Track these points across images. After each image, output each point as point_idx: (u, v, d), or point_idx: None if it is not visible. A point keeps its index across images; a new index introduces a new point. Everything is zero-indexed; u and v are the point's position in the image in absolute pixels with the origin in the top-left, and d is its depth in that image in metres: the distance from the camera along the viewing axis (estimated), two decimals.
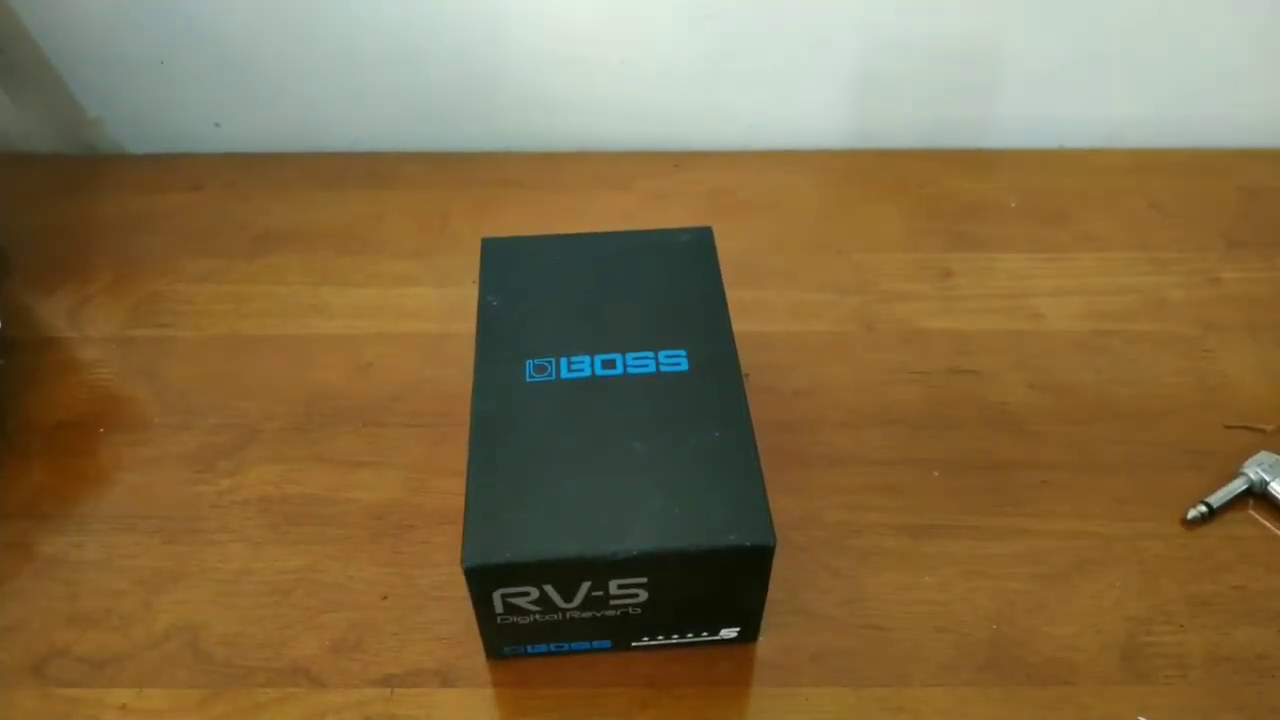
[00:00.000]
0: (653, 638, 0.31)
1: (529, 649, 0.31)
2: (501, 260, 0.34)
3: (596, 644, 0.31)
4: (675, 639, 0.31)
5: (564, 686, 0.32)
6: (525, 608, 0.28)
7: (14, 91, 0.52)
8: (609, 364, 0.31)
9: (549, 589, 0.28)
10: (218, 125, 0.54)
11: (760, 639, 0.32)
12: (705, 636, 0.31)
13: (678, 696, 0.31)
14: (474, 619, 0.30)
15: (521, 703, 0.32)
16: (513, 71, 0.51)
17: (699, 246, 0.35)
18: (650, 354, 0.31)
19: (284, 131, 0.54)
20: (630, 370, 0.31)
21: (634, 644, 0.31)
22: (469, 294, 0.45)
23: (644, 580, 0.28)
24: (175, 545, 0.36)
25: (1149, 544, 0.35)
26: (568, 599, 0.28)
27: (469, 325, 0.46)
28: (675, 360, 0.31)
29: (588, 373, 0.30)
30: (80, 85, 0.52)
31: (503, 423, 0.29)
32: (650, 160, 0.52)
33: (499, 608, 0.28)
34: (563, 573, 0.27)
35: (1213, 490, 0.36)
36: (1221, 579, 0.34)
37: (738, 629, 0.31)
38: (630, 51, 0.50)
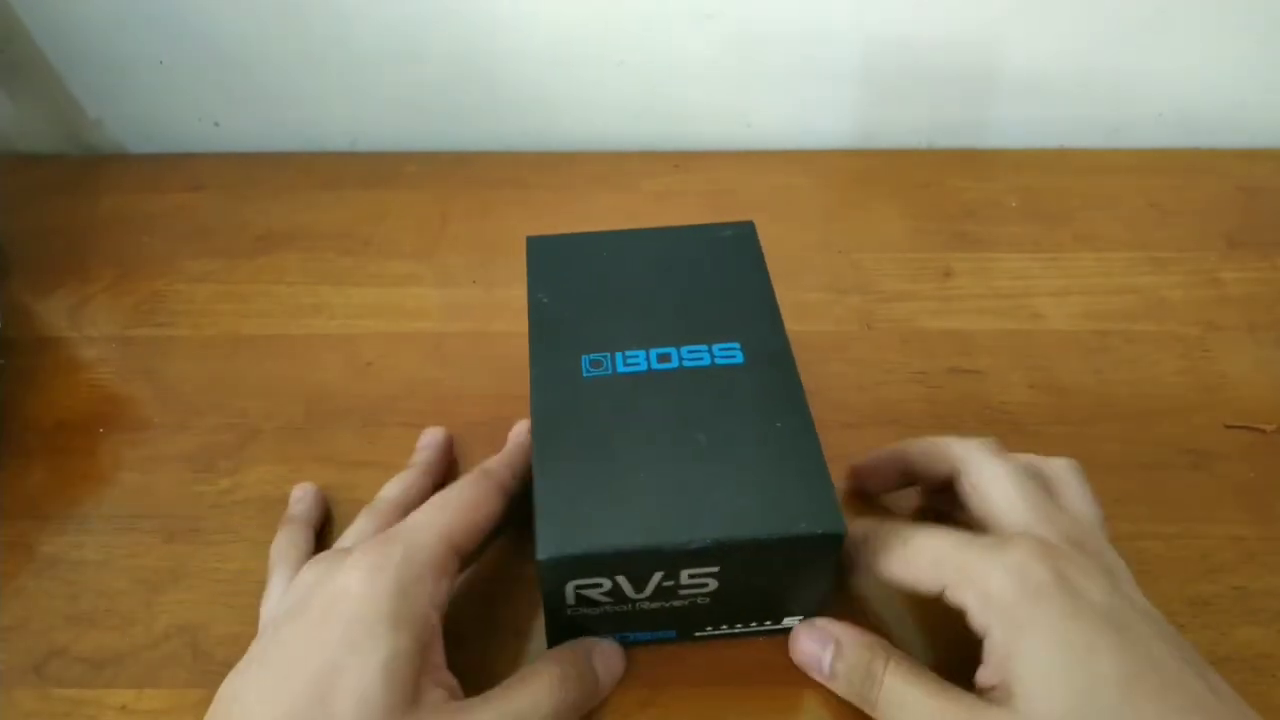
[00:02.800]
0: (717, 627, 0.31)
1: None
2: (547, 257, 0.34)
3: (662, 634, 0.31)
4: (739, 629, 0.31)
5: None
6: (596, 599, 0.28)
7: (14, 91, 0.52)
8: (664, 358, 0.31)
9: (621, 580, 0.28)
10: (218, 125, 0.54)
11: (760, 638, 0.32)
12: (769, 625, 0.31)
13: (678, 696, 0.31)
14: (474, 619, 0.30)
15: None
16: (513, 71, 0.51)
17: (743, 240, 0.35)
18: (704, 347, 0.31)
19: (284, 131, 0.54)
20: (685, 364, 0.30)
21: (697, 634, 0.32)
22: (469, 294, 0.45)
23: (715, 569, 0.28)
24: (175, 545, 0.36)
25: (1149, 544, 0.35)
26: (639, 590, 0.28)
27: (469, 325, 0.46)
28: (730, 353, 0.31)
29: (644, 367, 0.30)
30: (80, 85, 0.52)
31: (563, 419, 0.29)
32: (650, 160, 0.52)
33: (570, 600, 0.28)
34: (637, 563, 0.27)
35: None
36: (1221, 579, 0.34)
37: (801, 618, 0.31)
38: (630, 51, 0.50)
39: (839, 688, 0.29)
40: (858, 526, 0.31)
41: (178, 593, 0.34)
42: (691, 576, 0.28)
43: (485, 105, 0.53)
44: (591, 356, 0.31)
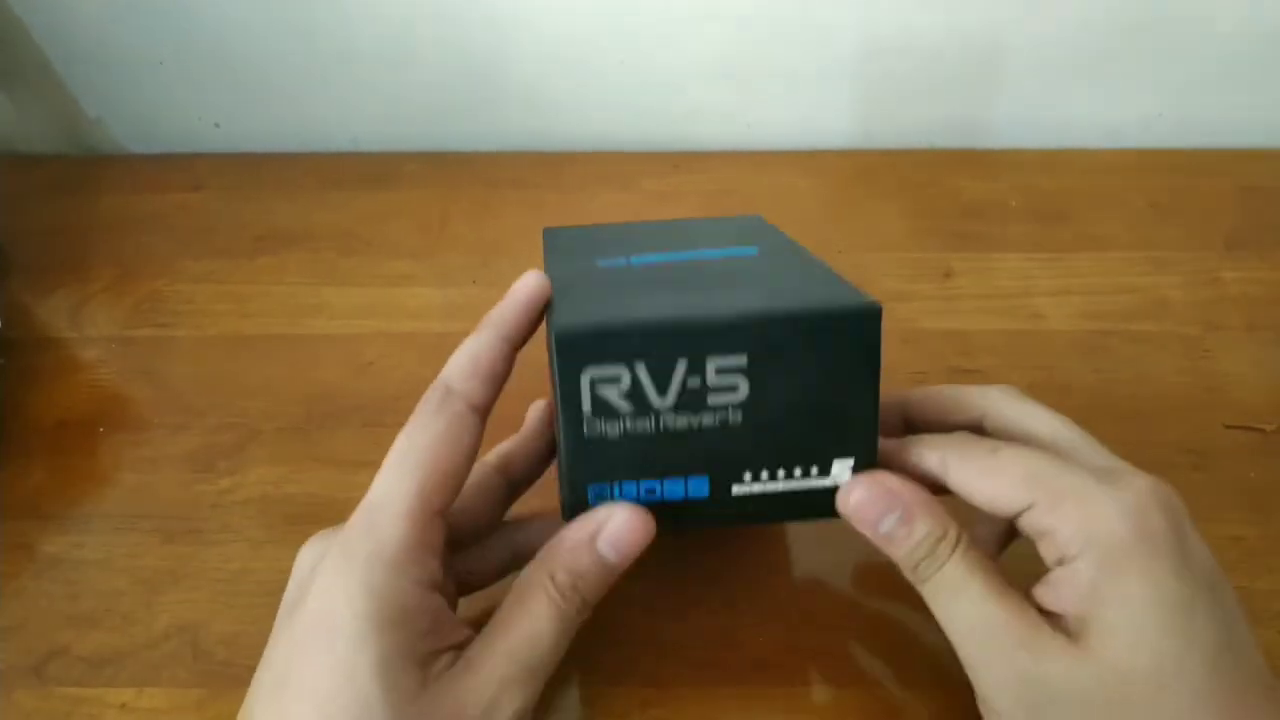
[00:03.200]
0: (756, 474, 0.27)
1: (619, 489, 0.27)
2: (564, 247, 0.34)
3: (693, 484, 0.28)
4: (781, 477, 0.28)
5: (565, 686, 0.32)
6: (616, 405, 0.26)
7: (14, 91, 0.52)
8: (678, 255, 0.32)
9: (642, 373, 0.26)
10: (218, 125, 0.54)
11: (760, 638, 0.32)
12: (815, 476, 0.27)
13: (678, 696, 0.31)
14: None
15: None
16: (513, 72, 0.51)
17: (757, 227, 0.37)
18: (718, 250, 0.32)
19: (284, 131, 0.54)
20: (701, 255, 0.32)
21: (735, 488, 0.28)
22: (469, 294, 0.45)
23: (744, 362, 0.26)
24: (175, 545, 0.36)
25: None
26: (662, 392, 0.26)
27: (469, 325, 0.46)
28: (745, 251, 0.32)
29: (659, 260, 0.31)
30: (80, 85, 0.52)
31: (580, 280, 0.29)
32: (650, 160, 0.52)
33: (587, 406, 0.26)
34: (659, 345, 0.26)
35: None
36: None
37: (851, 463, 0.27)
38: (630, 51, 0.50)
39: (894, 552, 0.27)
40: (936, 438, 0.28)
41: (178, 593, 0.34)
42: (719, 373, 0.26)
43: (485, 105, 0.53)
44: (607, 260, 0.31)
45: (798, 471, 0.28)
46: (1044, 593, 0.25)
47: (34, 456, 0.39)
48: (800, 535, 0.35)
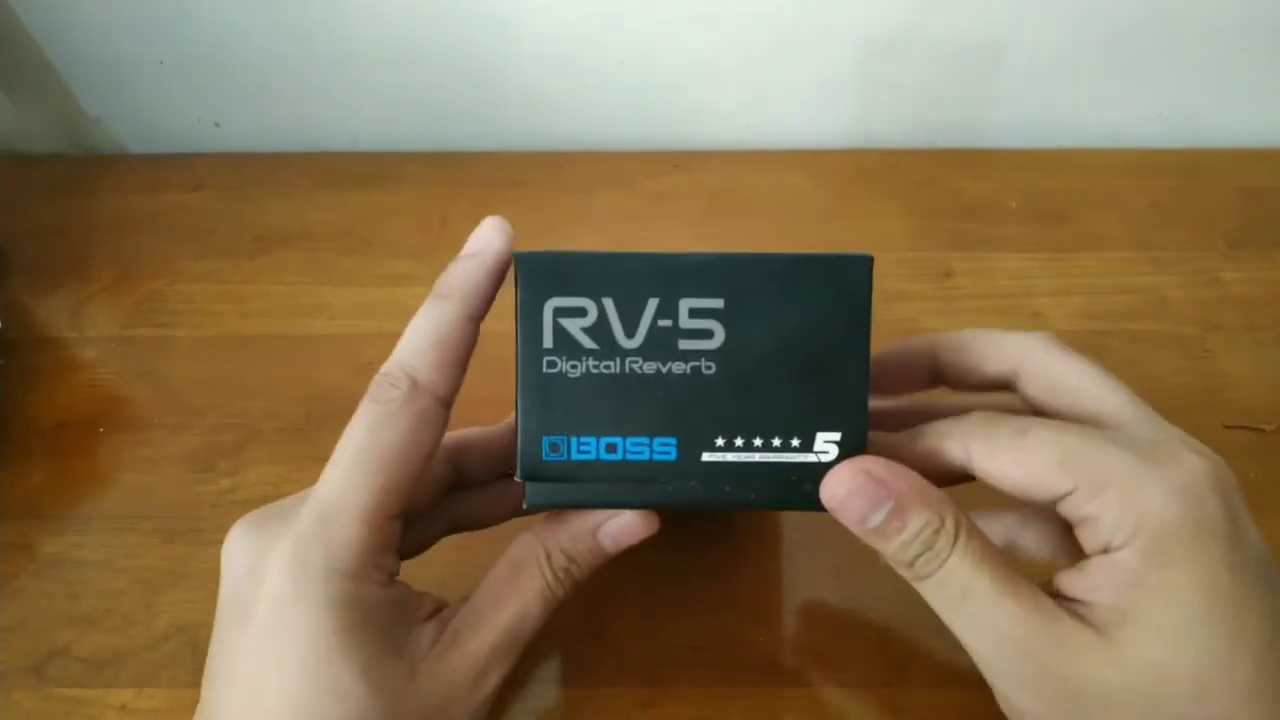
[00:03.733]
0: (730, 440, 0.25)
1: (577, 444, 0.25)
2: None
3: (659, 446, 0.25)
4: (758, 446, 0.25)
5: (565, 686, 0.32)
6: (578, 340, 0.24)
7: (14, 91, 0.52)
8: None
9: (609, 307, 0.24)
10: (218, 125, 0.54)
11: (760, 637, 0.32)
12: (796, 450, 0.25)
13: (678, 696, 0.31)
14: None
15: (521, 703, 0.32)
16: (513, 71, 0.51)
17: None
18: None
19: (284, 131, 0.54)
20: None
21: (705, 454, 0.25)
22: None
23: (720, 305, 0.24)
24: (175, 545, 0.36)
25: None
26: (630, 331, 0.24)
27: None
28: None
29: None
30: (80, 85, 0.52)
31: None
32: (650, 160, 0.52)
33: (548, 334, 0.24)
34: (628, 279, 0.24)
35: None
36: None
37: (837, 438, 0.25)
38: (630, 51, 0.50)
39: (885, 548, 0.24)
40: (954, 424, 0.25)
41: (178, 593, 0.34)
42: (693, 314, 0.24)
43: (485, 105, 0.53)
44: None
45: (776, 440, 0.25)
46: (1075, 579, 0.23)
47: (34, 456, 0.39)
48: (800, 533, 0.35)
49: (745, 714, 0.31)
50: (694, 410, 0.25)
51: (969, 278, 0.45)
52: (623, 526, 0.26)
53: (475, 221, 0.51)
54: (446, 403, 0.25)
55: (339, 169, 0.52)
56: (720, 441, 0.25)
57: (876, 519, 0.23)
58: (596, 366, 0.24)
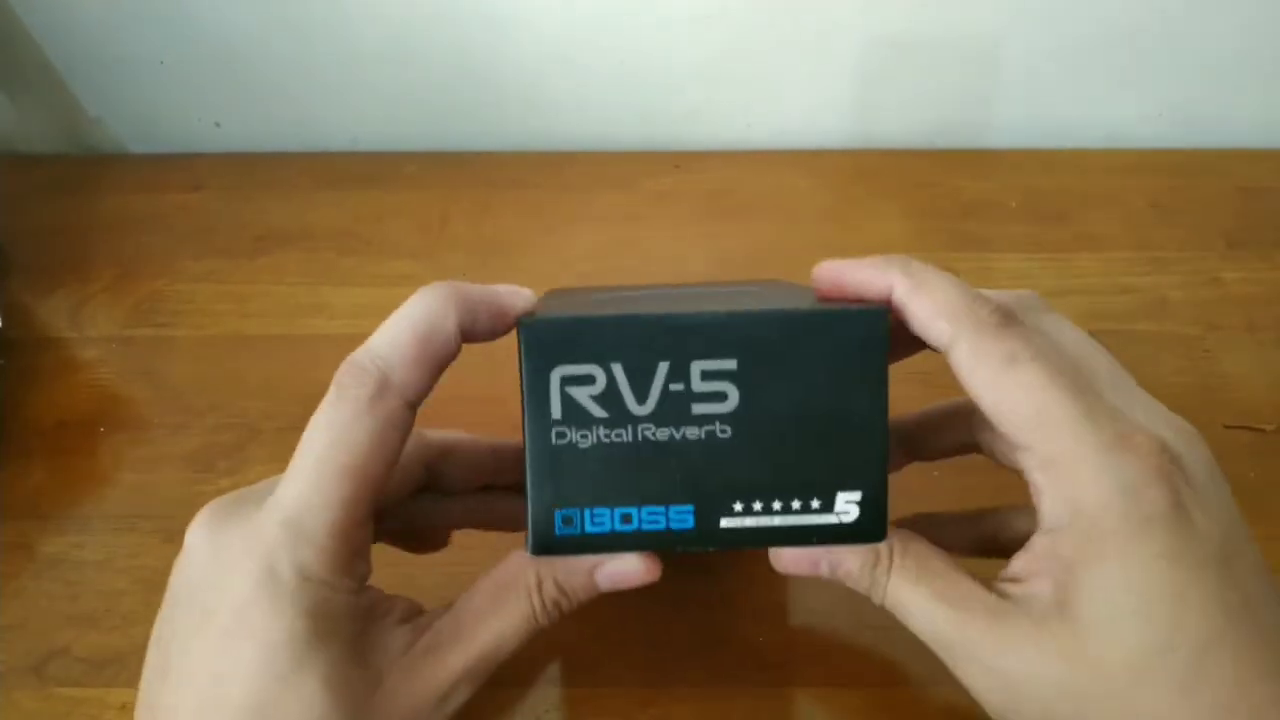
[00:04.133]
0: (748, 505, 0.24)
1: (590, 516, 0.24)
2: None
3: (675, 514, 0.24)
4: (778, 510, 0.24)
5: (565, 686, 0.32)
6: (588, 410, 0.23)
7: (14, 91, 0.52)
8: None
9: (618, 373, 0.23)
10: (218, 125, 0.54)
11: (762, 638, 0.32)
12: (816, 511, 0.24)
13: (678, 696, 0.31)
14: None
15: (522, 703, 0.32)
16: (513, 71, 0.51)
17: (774, 280, 0.35)
18: (722, 287, 0.32)
19: (284, 131, 0.54)
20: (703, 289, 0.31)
21: (723, 520, 0.24)
22: None
23: (734, 366, 0.23)
24: (175, 545, 0.35)
25: None
26: (641, 397, 0.23)
27: None
28: (750, 286, 0.30)
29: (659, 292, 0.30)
30: (80, 85, 0.52)
31: (566, 303, 0.27)
32: (651, 160, 0.52)
33: (556, 405, 0.23)
34: (637, 342, 0.23)
35: None
36: None
37: (858, 497, 0.24)
38: (630, 51, 0.50)
39: (849, 585, 0.25)
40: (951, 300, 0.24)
41: None
42: (706, 378, 0.23)
43: (485, 105, 0.53)
44: (600, 295, 0.29)
45: (796, 503, 0.24)
46: (1025, 563, 0.23)
47: (34, 456, 0.39)
48: None
49: (745, 714, 0.31)
50: (710, 476, 0.24)
51: (969, 278, 0.45)
52: (623, 572, 0.25)
53: (475, 221, 0.51)
54: (414, 406, 0.24)
55: (339, 169, 0.52)
56: (739, 507, 0.24)
57: (825, 567, 0.25)
58: (608, 435, 0.24)
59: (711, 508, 0.24)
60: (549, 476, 0.24)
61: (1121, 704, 0.21)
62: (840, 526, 0.24)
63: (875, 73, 0.51)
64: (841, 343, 0.23)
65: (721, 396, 0.23)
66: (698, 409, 0.23)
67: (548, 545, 0.24)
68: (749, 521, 0.24)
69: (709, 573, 0.34)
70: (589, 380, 0.23)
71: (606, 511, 0.24)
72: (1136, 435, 0.22)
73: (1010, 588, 0.23)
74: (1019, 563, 0.23)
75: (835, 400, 0.23)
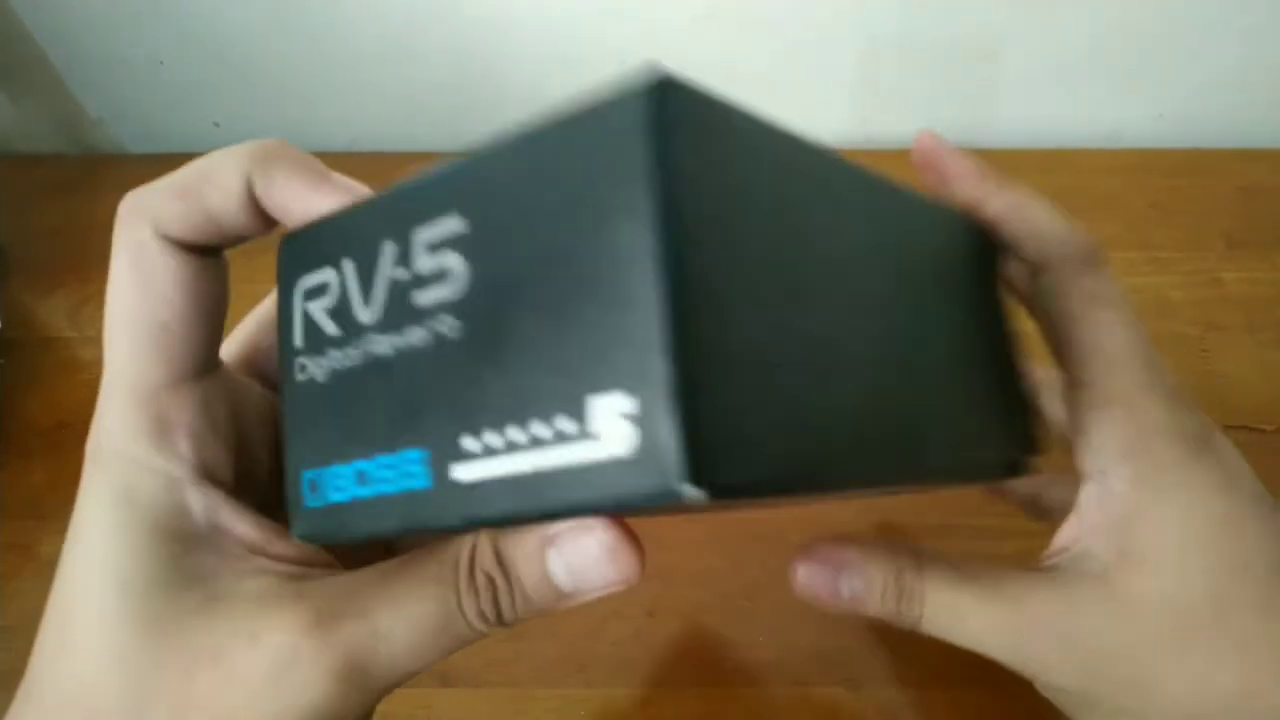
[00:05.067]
0: (482, 442, 0.15)
1: (332, 478, 0.17)
2: None
3: (406, 466, 0.16)
4: (521, 443, 0.14)
5: (565, 686, 0.32)
6: (324, 329, 0.17)
7: (14, 91, 0.52)
8: None
9: (348, 272, 0.17)
10: (218, 125, 0.54)
11: (760, 639, 0.32)
12: (573, 436, 0.14)
13: (678, 697, 0.31)
14: None
15: (521, 703, 0.32)
16: (513, 71, 0.51)
17: None
18: None
19: (284, 131, 0.54)
20: None
21: (456, 467, 0.15)
22: None
23: (459, 228, 0.16)
24: None
25: None
26: (366, 297, 0.17)
27: None
28: None
29: None
30: (80, 85, 0.52)
31: None
32: None
33: (298, 334, 0.18)
34: (362, 224, 0.17)
35: None
36: None
37: (630, 406, 0.13)
38: (630, 51, 0.50)
39: (879, 614, 0.22)
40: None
41: None
42: (430, 251, 0.16)
43: (485, 105, 0.53)
44: None
45: (543, 429, 0.14)
46: (1073, 528, 0.22)
47: (34, 456, 0.39)
48: (800, 533, 0.35)
49: (745, 714, 0.31)
50: (438, 399, 0.15)
51: None
52: (583, 552, 0.16)
53: None
54: (175, 239, 0.19)
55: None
56: (470, 444, 0.15)
57: (845, 590, 0.22)
58: (340, 359, 0.17)
59: (443, 450, 0.15)
60: (297, 427, 0.18)
61: (1210, 639, 0.20)
62: (608, 464, 0.13)
63: (875, 73, 0.51)
64: (597, 156, 0.15)
65: (444, 275, 0.16)
66: (420, 299, 0.16)
67: (307, 523, 0.17)
68: (492, 468, 0.15)
69: (709, 573, 0.34)
70: (323, 290, 0.18)
71: (343, 467, 0.17)
72: (1181, 389, 0.22)
73: (1059, 560, 0.22)
74: (1067, 531, 0.22)
75: (589, 253, 0.14)
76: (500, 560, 0.17)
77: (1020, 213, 0.24)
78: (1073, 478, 0.22)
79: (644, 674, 0.32)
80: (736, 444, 0.13)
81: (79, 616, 0.18)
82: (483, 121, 0.54)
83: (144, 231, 0.19)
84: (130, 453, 0.18)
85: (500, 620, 0.18)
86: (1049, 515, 0.26)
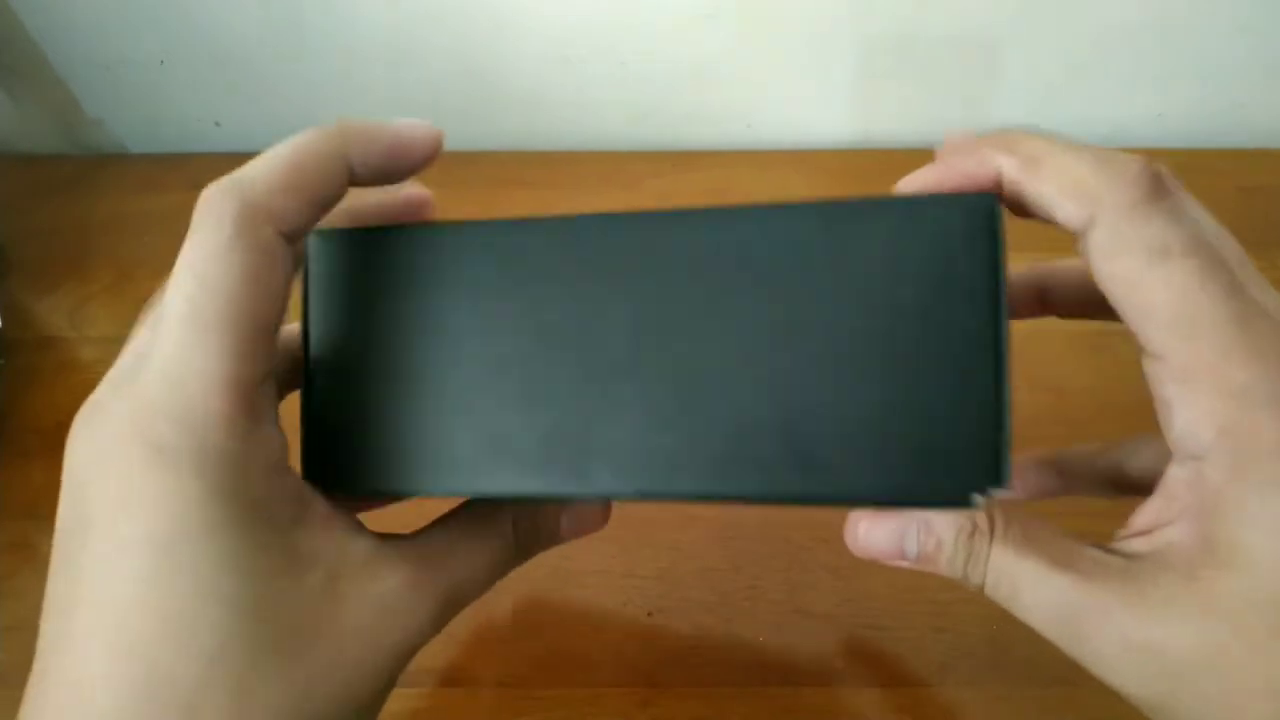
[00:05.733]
0: None
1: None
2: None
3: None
4: None
5: (565, 687, 0.32)
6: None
7: (14, 91, 0.52)
8: None
9: None
10: (218, 125, 0.54)
11: (760, 639, 0.32)
12: None
13: (678, 696, 0.31)
14: (474, 623, 0.29)
15: (521, 703, 0.32)
16: (514, 71, 0.51)
17: None
18: None
19: (284, 131, 0.53)
20: None
21: None
22: None
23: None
24: None
25: None
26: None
27: None
28: None
29: None
30: (80, 85, 0.52)
31: None
32: (651, 160, 0.52)
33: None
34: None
35: None
36: None
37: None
38: (630, 51, 0.50)
39: (938, 571, 0.21)
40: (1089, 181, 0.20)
41: None
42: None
43: (486, 104, 0.53)
44: None
45: None
46: (1156, 510, 0.19)
47: (34, 456, 0.39)
48: (800, 533, 0.35)
49: (745, 714, 0.31)
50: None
51: None
52: (582, 511, 0.24)
53: None
54: (294, 239, 0.19)
55: None
56: None
57: (911, 545, 0.20)
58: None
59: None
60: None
61: None
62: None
63: (875, 73, 0.51)
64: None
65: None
66: None
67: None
68: None
69: (708, 573, 0.34)
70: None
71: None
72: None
73: (1138, 544, 0.19)
74: (1148, 511, 0.19)
75: None
76: (533, 522, 0.23)
77: (1039, 169, 0.20)
78: (1162, 444, 0.19)
79: (644, 674, 0.32)
80: None
81: (197, 610, 0.17)
82: (483, 121, 0.55)
83: (266, 230, 0.19)
84: (229, 447, 0.18)
85: (520, 563, 0.23)
86: (1134, 490, 0.22)
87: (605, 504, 0.24)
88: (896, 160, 0.56)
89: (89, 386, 0.18)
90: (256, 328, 0.18)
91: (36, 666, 0.19)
